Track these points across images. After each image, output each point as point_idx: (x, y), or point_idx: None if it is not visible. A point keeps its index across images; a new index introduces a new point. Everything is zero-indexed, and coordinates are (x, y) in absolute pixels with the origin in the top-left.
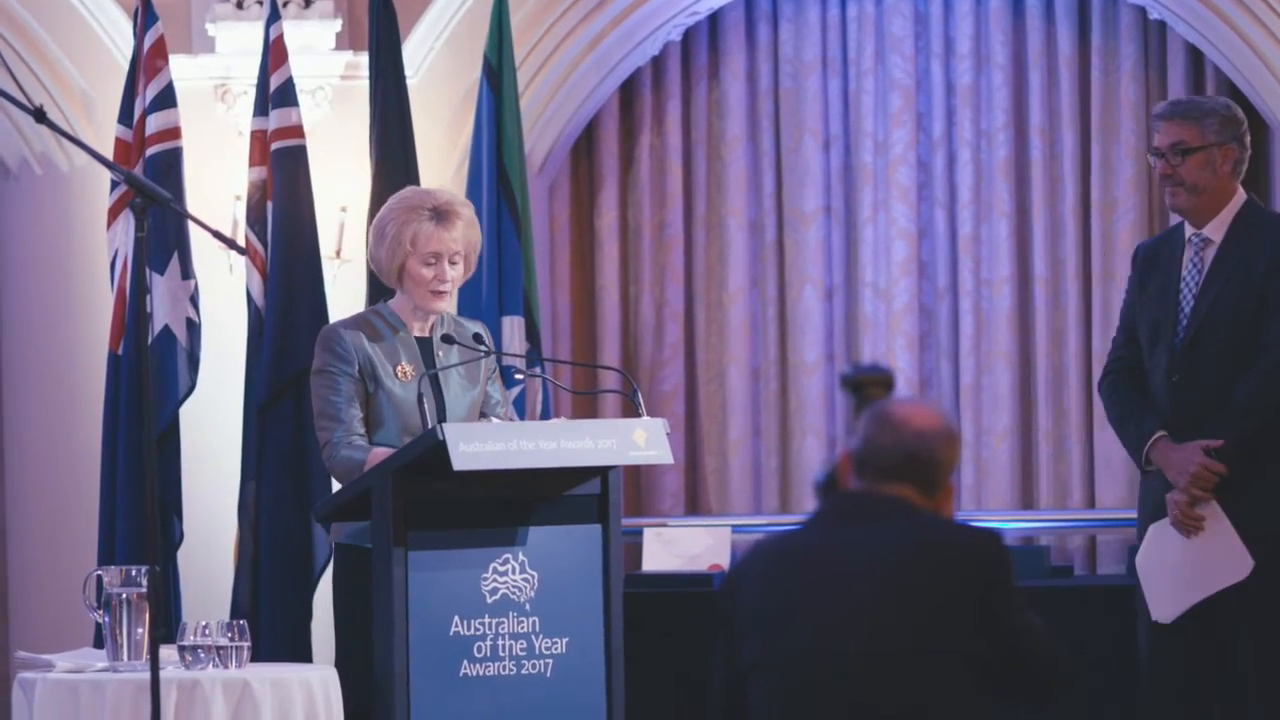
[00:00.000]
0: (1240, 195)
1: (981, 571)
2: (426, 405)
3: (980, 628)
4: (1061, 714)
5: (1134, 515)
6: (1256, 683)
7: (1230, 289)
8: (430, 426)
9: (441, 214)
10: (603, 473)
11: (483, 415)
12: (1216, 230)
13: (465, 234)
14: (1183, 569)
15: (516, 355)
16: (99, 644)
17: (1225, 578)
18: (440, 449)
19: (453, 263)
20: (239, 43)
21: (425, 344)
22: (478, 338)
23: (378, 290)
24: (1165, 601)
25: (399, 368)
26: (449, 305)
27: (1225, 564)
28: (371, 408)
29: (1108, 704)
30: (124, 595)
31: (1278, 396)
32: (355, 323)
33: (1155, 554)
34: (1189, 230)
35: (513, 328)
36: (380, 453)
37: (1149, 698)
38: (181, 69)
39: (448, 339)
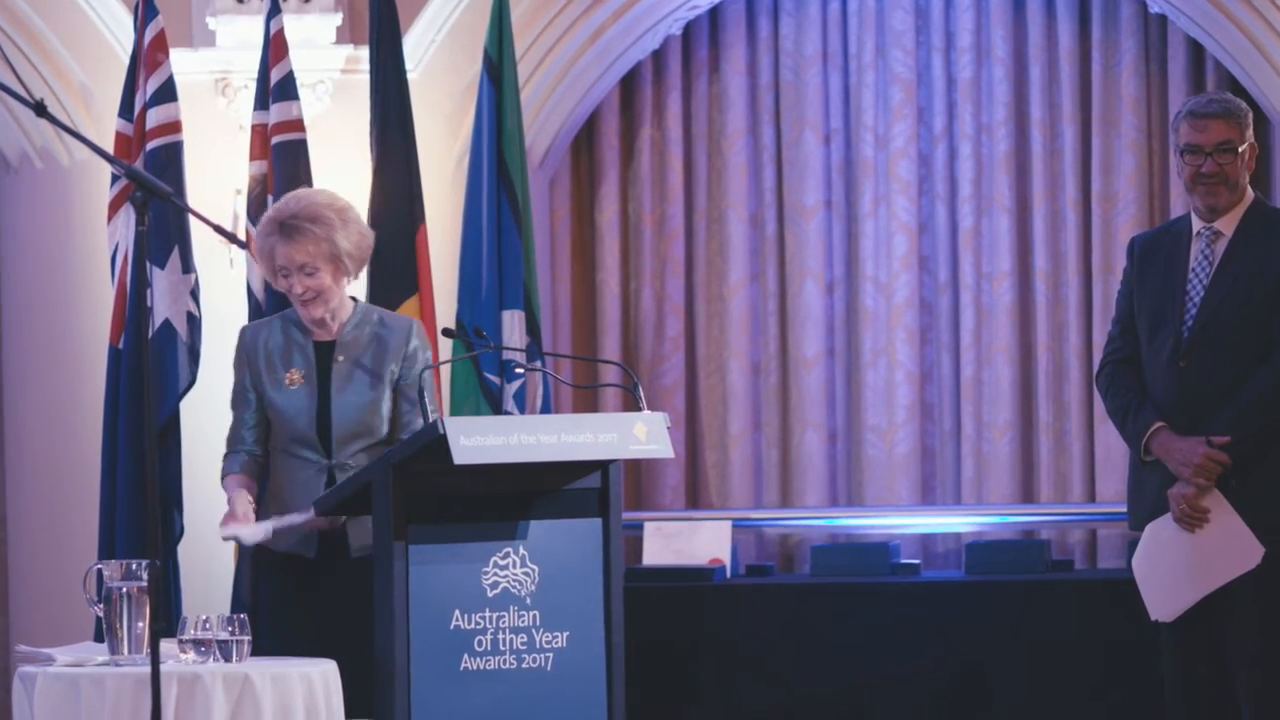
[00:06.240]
0: (1250, 191)
1: None
2: (308, 410)
3: None
4: (1063, 707)
5: None
6: (1261, 669)
7: (1244, 281)
8: (321, 431)
9: (286, 228)
10: (603, 467)
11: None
12: (1228, 224)
13: (314, 246)
14: (1188, 565)
15: (517, 349)
16: (99, 638)
17: (1236, 567)
18: (441, 443)
19: (308, 273)
20: (239, 37)
21: (324, 349)
22: (382, 336)
23: (377, 284)
24: (1167, 600)
25: (290, 374)
26: (323, 310)
27: (1235, 554)
28: (265, 412)
29: (1109, 697)
30: (124, 589)
31: None
32: (266, 324)
33: (1154, 553)
34: (1197, 224)
35: (513, 322)
36: (234, 493)
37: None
38: (182, 63)
39: (351, 342)
